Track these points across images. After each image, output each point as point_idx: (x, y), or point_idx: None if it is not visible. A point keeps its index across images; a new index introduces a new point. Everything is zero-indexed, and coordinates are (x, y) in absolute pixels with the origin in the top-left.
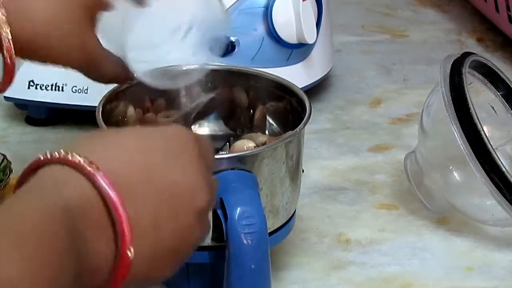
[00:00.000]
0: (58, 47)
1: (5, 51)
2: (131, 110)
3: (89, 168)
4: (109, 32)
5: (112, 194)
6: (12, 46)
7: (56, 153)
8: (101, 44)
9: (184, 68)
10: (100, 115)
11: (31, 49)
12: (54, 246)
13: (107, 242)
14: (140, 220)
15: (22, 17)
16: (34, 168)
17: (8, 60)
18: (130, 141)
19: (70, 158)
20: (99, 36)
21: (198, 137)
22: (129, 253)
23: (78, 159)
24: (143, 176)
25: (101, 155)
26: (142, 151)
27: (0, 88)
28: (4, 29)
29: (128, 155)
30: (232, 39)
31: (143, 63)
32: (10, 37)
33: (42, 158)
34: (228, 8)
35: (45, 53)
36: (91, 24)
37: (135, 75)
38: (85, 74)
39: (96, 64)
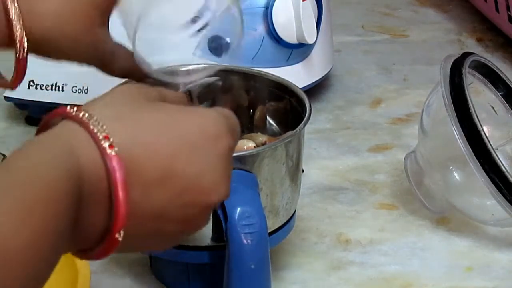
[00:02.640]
0: (70, 43)
1: (18, 46)
2: None
3: (102, 142)
4: (125, 13)
5: (118, 177)
6: (26, 41)
7: (79, 112)
8: (113, 39)
9: (187, 68)
10: None
11: (43, 45)
12: (55, 206)
13: (103, 218)
14: (144, 208)
15: (34, 12)
16: (56, 116)
17: (21, 55)
18: (159, 118)
19: (89, 124)
20: (117, 16)
21: (233, 127)
22: (118, 236)
23: (96, 129)
24: (162, 164)
25: (121, 128)
26: (169, 135)
27: (10, 85)
28: (17, 23)
29: (152, 139)
30: None
31: (148, 47)
32: (23, 32)
33: (65, 110)
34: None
35: (57, 49)
36: (103, 21)
37: (145, 70)
38: (98, 69)
39: (108, 60)
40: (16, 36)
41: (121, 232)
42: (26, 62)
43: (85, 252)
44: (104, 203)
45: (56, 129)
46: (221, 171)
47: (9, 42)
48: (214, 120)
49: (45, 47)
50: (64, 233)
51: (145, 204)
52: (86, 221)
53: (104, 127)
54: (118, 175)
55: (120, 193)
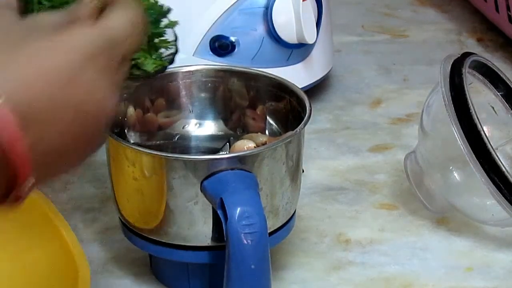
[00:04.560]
0: None
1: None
2: (131, 110)
3: None
4: None
5: (12, 127)
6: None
7: None
8: None
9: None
10: None
11: None
12: None
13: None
14: (43, 146)
15: None
16: None
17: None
18: (35, 59)
19: None
20: None
21: (113, 36)
22: (26, 185)
23: None
24: (48, 100)
25: (4, 76)
26: (46, 72)
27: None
28: None
29: (30, 74)
30: (232, 39)
31: None
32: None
33: None
34: (228, 8)
35: None
36: None
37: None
38: None
39: None
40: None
41: (30, 180)
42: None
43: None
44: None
45: None
46: (106, 86)
47: None
48: (88, 38)
49: None
50: None
51: (42, 143)
52: None
53: None
54: (13, 126)
55: (17, 143)
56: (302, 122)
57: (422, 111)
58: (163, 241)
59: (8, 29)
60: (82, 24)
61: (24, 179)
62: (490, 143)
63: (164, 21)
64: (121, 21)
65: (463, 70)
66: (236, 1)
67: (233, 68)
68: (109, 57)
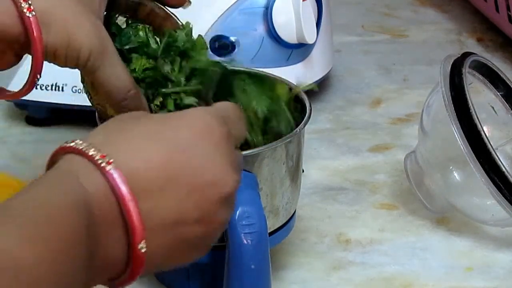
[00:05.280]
0: (73, 17)
1: (33, 27)
2: None
3: (100, 162)
4: None
5: (122, 188)
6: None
7: (76, 144)
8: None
9: None
10: None
11: (48, 18)
12: (70, 240)
13: (120, 237)
14: (158, 216)
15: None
16: (58, 154)
17: (36, 38)
18: (150, 129)
19: (85, 150)
20: None
21: (223, 115)
22: (140, 248)
23: (92, 152)
24: (163, 170)
25: (117, 146)
26: (160, 143)
27: (30, 81)
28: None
29: (145, 148)
30: (232, 39)
31: None
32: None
33: (64, 145)
34: (228, 8)
35: (61, 23)
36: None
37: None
38: (91, 66)
39: (105, 53)
40: (30, 22)
41: (143, 244)
42: (44, 50)
43: (116, 280)
44: (117, 222)
45: (58, 165)
46: (221, 160)
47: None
48: (199, 115)
49: (53, 20)
50: (81, 263)
51: (157, 213)
52: (106, 246)
53: (99, 149)
54: (123, 187)
55: (129, 204)
56: (302, 122)
57: (422, 111)
58: None
59: (132, 117)
60: (195, 108)
61: (138, 240)
62: (490, 143)
63: None
64: (227, 105)
65: (463, 70)
66: (236, 1)
67: (233, 68)
68: (221, 134)
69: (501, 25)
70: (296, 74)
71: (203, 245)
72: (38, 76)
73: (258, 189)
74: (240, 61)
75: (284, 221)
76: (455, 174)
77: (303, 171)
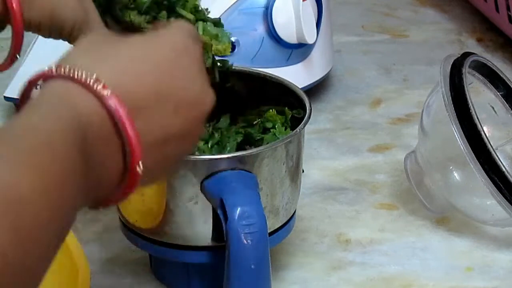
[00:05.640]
0: None
1: (13, 4)
2: None
3: (95, 86)
4: None
5: (121, 112)
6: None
7: (60, 69)
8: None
9: None
10: None
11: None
12: (66, 164)
13: (116, 158)
14: (150, 134)
15: None
16: (36, 82)
17: (16, 16)
18: (134, 51)
19: (75, 75)
20: None
21: (193, 36)
22: (138, 168)
23: (83, 76)
24: (152, 88)
25: (106, 68)
26: (147, 63)
27: (11, 56)
28: None
29: (134, 68)
30: (232, 39)
31: None
32: None
33: (44, 73)
34: (228, 8)
35: (43, 4)
36: None
37: None
38: (75, 38)
39: (90, 23)
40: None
41: (140, 164)
42: (24, 23)
43: (105, 199)
44: (113, 143)
45: (43, 91)
46: (201, 78)
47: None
48: (177, 35)
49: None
50: (75, 183)
51: (149, 131)
52: (100, 166)
53: (89, 72)
54: (122, 111)
55: (128, 127)
56: (302, 122)
57: (422, 111)
58: (163, 241)
59: (106, 36)
60: (167, 25)
61: (137, 160)
62: (490, 143)
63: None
64: (189, 25)
65: (463, 70)
66: (236, 1)
67: (233, 68)
68: (196, 49)
69: (501, 25)
70: (296, 74)
71: (180, 159)
72: (18, 54)
73: (258, 189)
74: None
75: (284, 221)
76: (455, 174)
77: (303, 171)
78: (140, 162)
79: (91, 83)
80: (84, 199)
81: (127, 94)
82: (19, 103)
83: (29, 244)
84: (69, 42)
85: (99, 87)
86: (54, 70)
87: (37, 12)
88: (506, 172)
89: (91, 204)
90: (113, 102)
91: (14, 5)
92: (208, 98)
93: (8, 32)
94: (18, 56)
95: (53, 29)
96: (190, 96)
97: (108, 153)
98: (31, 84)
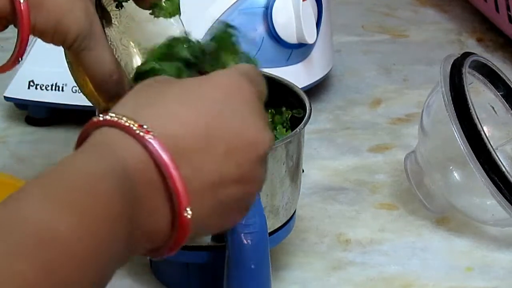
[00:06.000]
0: (64, 5)
1: (22, 10)
2: None
3: (138, 132)
4: None
5: (164, 156)
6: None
7: (107, 117)
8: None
9: None
10: None
11: (40, 3)
12: (108, 209)
13: (163, 205)
14: (199, 179)
15: None
16: (89, 130)
17: (24, 21)
18: (183, 93)
19: (120, 121)
20: None
21: (250, 77)
22: (186, 214)
23: (128, 122)
24: (200, 133)
25: (151, 113)
26: (195, 106)
27: (13, 59)
28: None
29: (180, 112)
30: None
31: None
32: None
33: (94, 121)
34: (228, 8)
35: (52, 7)
36: None
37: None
38: (77, 46)
39: (94, 33)
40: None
41: (188, 209)
42: (30, 27)
43: (158, 250)
44: (159, 190)
45: (91, 139)
46: (256, 118)
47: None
48: (227, 75)
49: (45, 4)
50: (121, 233)
51: (198, 176)
52: (147, 214)
53: (134, 118)
54: (164, 155)
55: (173, 171)
56: (302, 122)
57: (422, 111)
58: None
59: (159, 79)
60: (219, 71)
61: (184, 206)
62: (490, 143)
63: None
64: (246, 65)
65: (463, 70)
66: (236, 1)
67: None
68: (251, 92)
69: (501, 25)
70: (296, 74)
71: (243, 205)
72: (21, 58)
73: None
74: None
75: (284, 221)
76: (455, 174)
77: (303, 171)
78: (188, 208)
79: (134, 128)
80: (130, 248)
81: (172, 138)
82: (75, 148)
83: (59, 284)
84: (69, 50)
85: (143, 131)
86: (101, 118)
87: (43, 19)
88: (506, 172)
89: (145, 253)
90: (155, 147)
91: (22, 8)
92: (265, 139)
93: (7, 32)
94: (20, 60)
95: (56, 37)
96: (243, 139)
97: (155, 199)
98: (85, 132)
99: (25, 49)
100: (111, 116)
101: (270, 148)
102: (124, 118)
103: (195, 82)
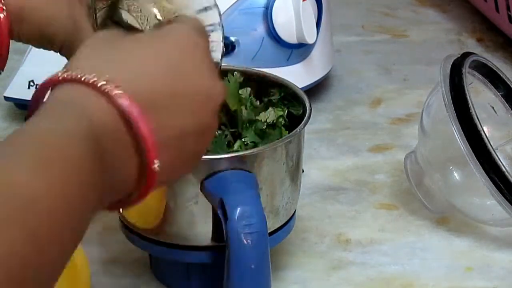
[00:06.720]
0: (47, 10)
1: (1, 25)
2: None
3: (105, 87)
4: None
5: (134, 111)
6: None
7: (67, 74)
8: (87, 19)
9: None
10: None
11: (21, 15)
12: (80, 162)
13: (132, 158)
14: (164, 132)
15: None
16: (45, 89)
17: (3, 38)
18: (144, 50)
19: (84, 78)
20: None
21: (199, 30)
22: (155, 166)
23: (93, 78)
24: (166, 87)
25: (116, 69)
26: (158, 59)
27: None
28: None
29: (144, 65)
30: (232, 39)
31: None
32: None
33: (52, 78)
34: (228, 8)
35: (34, 18)
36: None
37: None
38: (66, 50)
39: (81, 34)
40: None
41: (156, 162)
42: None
43: (125, 200)
44: (128, 143)
45: (52, 97)
46: (210, 72)
47: None
48: (184, 31)
49: (22, 16)
50: (91, 183)
51: (164, 131)
52: (116, 167)
53: (99, 74)
54: (134, 110)
55: (142, 125)
56: (302, 122)
57: (422, 111)
58: (163, 241)
59: (111, 36)
60: (175, 25)
61: (153, 159)
62: (490, 143)
63: None
64: (192, 19)
65: (463, 70)
66: (236, 1)
67: (233, 68)
68: (204, 47)
69: (501, 25)
70: (296, 74)
71: (199, 154)
72: (2, 70)
73: (258, 189)
74: (240, 61)
75: (284, 221)
76: (455, 174)
77: (303, 171)
78: (156, 161)
79: (101, 84)
80: (101, 200)
81: (140, 94)
82: (29, 110)
83: (42, 244)
84: (61, 53)
85: (110, 87)
86: (61, 75)
87: (26, 31)
88: (506, 172)
89: (110, 206)
90: (125, 101)
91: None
92: (221, 90)
93: None
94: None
95: (43, 42)
96: (203, 91)
97: (123, 153)
98: (41, 90)
99: (5, 63)
100: (75, 73)
101: (224, 97)
102: (89, 75)
103: (153, 37)
